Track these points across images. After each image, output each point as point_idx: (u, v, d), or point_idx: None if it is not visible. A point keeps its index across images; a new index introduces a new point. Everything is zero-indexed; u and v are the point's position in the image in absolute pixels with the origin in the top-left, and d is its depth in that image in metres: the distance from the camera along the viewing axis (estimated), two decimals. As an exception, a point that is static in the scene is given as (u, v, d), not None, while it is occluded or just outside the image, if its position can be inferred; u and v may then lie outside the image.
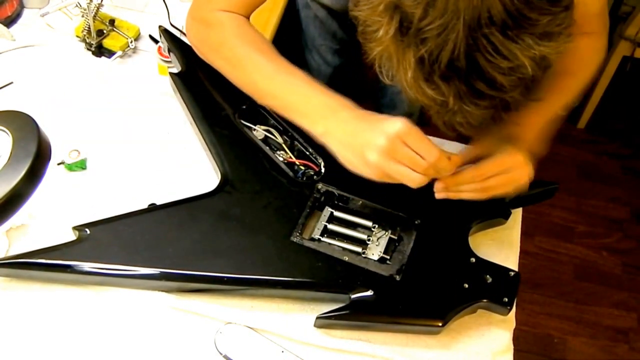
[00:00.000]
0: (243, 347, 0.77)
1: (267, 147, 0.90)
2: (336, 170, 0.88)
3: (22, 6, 1.16)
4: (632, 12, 1.97)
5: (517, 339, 0.83)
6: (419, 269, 0.81)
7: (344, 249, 0.82)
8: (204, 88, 0.94)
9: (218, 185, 0.86)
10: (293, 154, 0.91)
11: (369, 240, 0.83)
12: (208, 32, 0.89)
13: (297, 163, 0.90)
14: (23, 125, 0.88)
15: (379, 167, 0.76)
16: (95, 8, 1.09)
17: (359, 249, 0.82)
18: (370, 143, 0.76)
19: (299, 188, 0.86)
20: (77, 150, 0.91)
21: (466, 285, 0.79)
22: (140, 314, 0.79)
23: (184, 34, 1.16)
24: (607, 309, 1.92)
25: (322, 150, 0.90)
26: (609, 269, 2.00)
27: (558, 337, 1.86)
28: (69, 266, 0.78)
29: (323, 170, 0.88)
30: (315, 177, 0.88)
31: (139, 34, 1.15)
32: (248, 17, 0.91)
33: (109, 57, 1.11)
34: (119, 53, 1.11)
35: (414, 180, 0.76)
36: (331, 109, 0.81)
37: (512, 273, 0.82)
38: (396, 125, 0.75)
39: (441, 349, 0.80)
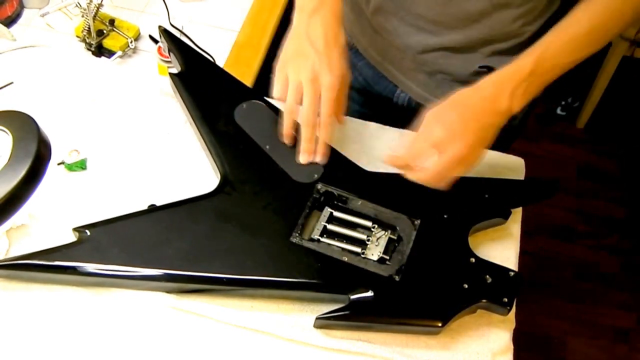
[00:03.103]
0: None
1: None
2: (336, 170, 0.88)
3: (22, 6, 1.17)
4: (632, 12, 1.97)
5: (517, 339, 0.83)
6: (419, 269, 0.81)
7: (343, 249, 0.82)
8: (204, 88, 0.94)
9: (218, 186, 0.86)
10: (293, 154, 0.91)
11: (368, 240, 0.83)
12: None
13: (297, 163, 0.90)
14: (23, 125, 0.88)
15: (293, 75, 0.83)
16: (95, 8, 1.09)
17: (358, 250, 0.82)
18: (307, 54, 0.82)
19: (299, 188, 0.86)
20: (77, 150, 0.91)
21: (466, 286, 0.79)
22: (140, 314, 0.79)
23: (184, 34, 1.17)
24: (607, 309, 1.92)
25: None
26: (609, 269, 2.00)
27: (558, 337, 1.86)
28: (69, 267, 0.78)
29: (323, 170, 0.88)
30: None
31: (139, 34, 1.15)
32: None
33: (109, 57, 1.11)
34: (119, 53, 1.11)
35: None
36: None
37: (512, 273, 0.82)
38: (334, 72, 0.81)
39: (441, 349, 0.80)
